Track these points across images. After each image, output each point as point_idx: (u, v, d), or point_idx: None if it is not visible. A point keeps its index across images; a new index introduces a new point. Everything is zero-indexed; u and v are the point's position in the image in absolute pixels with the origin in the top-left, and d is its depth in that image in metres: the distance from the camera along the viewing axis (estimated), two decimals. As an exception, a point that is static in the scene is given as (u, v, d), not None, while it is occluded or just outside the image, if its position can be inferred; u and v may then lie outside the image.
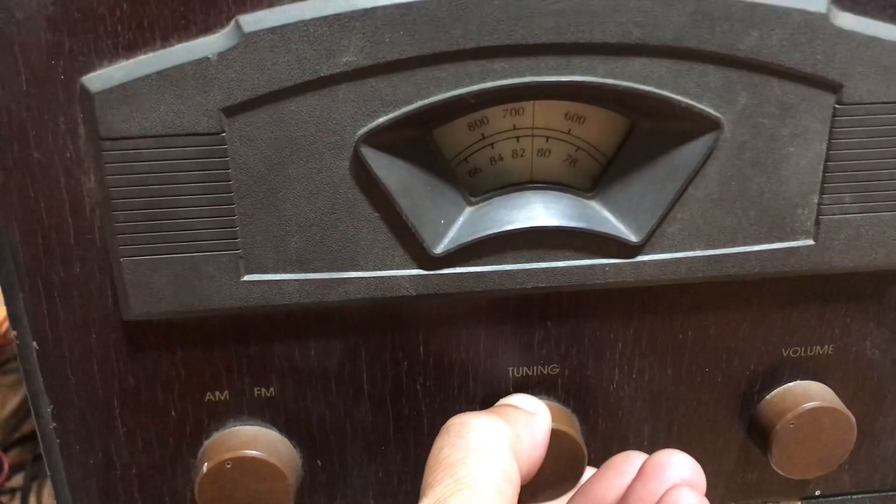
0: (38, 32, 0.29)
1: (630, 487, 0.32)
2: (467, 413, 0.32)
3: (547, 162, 0.34)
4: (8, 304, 0.33)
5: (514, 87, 0.31)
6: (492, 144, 0.34)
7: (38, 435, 0.35)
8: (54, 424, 0.35)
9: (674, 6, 0.30)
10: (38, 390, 0.34)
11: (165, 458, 0.36)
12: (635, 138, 0.33)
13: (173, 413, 0.35)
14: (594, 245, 0.34)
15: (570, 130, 0.34)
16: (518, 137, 0.34)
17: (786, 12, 0.31)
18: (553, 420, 0.36)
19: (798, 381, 0.39)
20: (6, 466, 0.62)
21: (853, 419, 0.38)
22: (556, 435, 0.35)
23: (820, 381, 0.39)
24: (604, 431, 0.39)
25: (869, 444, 0.42)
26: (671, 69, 0.31)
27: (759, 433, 0.39)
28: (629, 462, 0.34)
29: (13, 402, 0.68)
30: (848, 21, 0.32)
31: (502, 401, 0.36)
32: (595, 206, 0.34)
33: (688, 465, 0.31)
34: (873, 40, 0.32)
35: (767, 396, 0.39)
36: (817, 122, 0.33)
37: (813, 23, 0.31)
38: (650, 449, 0.34)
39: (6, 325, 0.73)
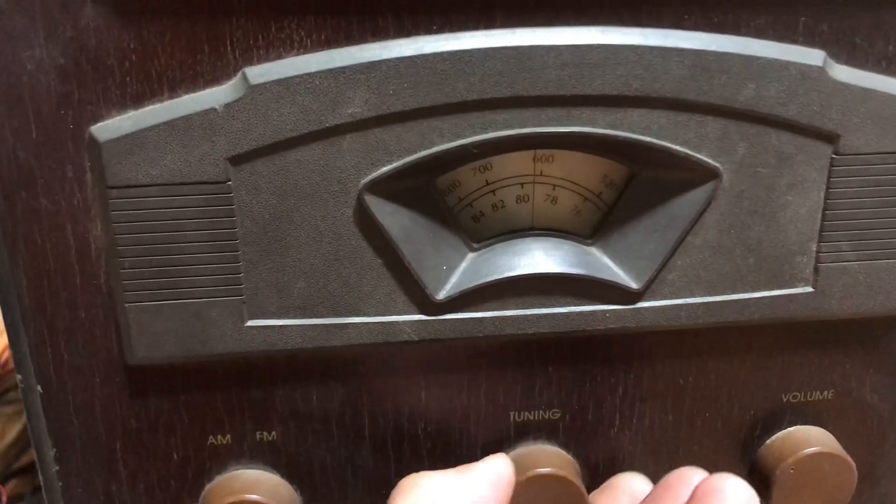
0: (48, 83, 0.29)
1: None
2: (413, 475, 0.32)
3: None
4: (13, 347, 0.33)
5: (515, 137, 0.31)
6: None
7: (41, 477, 0.35)
8: (57, 467, 0.35)
9: (673, 59, 0.31)
10: (41, 433, 0.34)
11: (167, 501, 0.36)
12: (635, 187, 0.34)
13: (175, 456, 0.36)
14: (595, 291, 0.34)
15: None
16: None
17: (783, 65, 0.31)
18: (553, 465, 0.36)
19: (798, 426, 0.39)
20: (4, 498, 0.62)
21: (853, 464, 0.38)
22: (556, 480, 0.36)
23: (820, 425, 0.40)
24: (605, 476, 0.39)
25: (869, 489, 0.42)
26: (670, 120, 0.32)
27: (760, 477, 0.39)
28: (685, 481, 0.32)
29: (12, 433, 0.67)
30: (844, 74, 0.32)
31: None
32: (595, 252, 0.35)
33: (742, 494, 0.30)
34: (869, 92, 0.32)
35: (768, 441, 0.39)
36: (815, 171, 0.33)
37: (810, 75, 0.32)
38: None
39: (6, 354, 0.73)
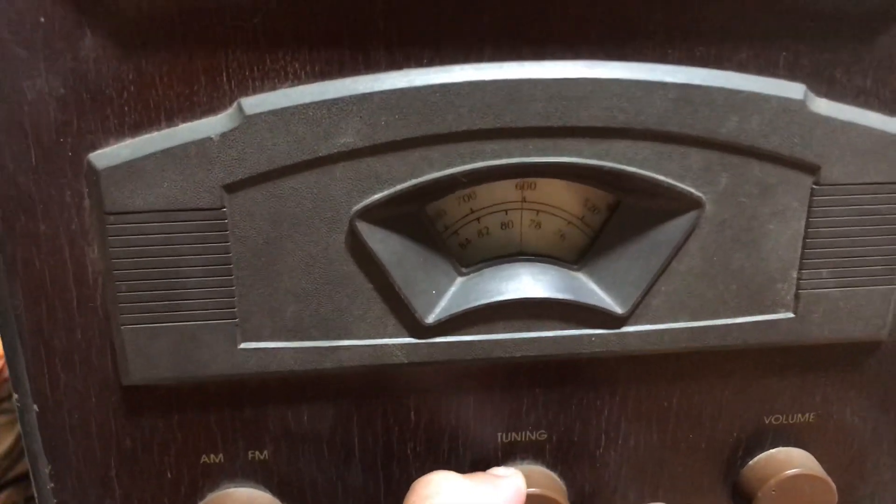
0: (48, 111, 0.30)
1: None
2: (435, 473, 0.32)
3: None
4: (10, 367, 0.34)
5: (503, 167, 0.32)
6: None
7: (36, 495, 0.36)
8: (52, 485, 0.36)
9: (657, 92, 0.31)
10: (37, 451, 0.35)
11: (160, 519, 0.37)
12: (621, 214, 0.34)
13: (169, 475, 0.36)
14: (581, 316, 0.35)
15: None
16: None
17: (765, 99, 0.32)
18: (540, 486, 0.36)
19: (780, 448, 0.40)
20: (-2, 507, 0.62)
21: (834, 486, 0.39)
22: (543, 501, 0.36)
23: (802, 447, 0.40)
24: (590, 496, 0.40)
25: (850, 510, 0.42)
26: (655, 151, 0.32)
27: (743, 498, 0.40)
28: None
29: (7, 442, 0.67)
30: (824, 107, 0.33)
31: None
32: (581, 278, 0.35)
33: None
34: (848, 125, 0.33)
35: (750, 462, 0.40)
36: (796, 201, 0.34)
37: (791, 108, 0.32)
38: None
39: (1, 363, 0.73)
